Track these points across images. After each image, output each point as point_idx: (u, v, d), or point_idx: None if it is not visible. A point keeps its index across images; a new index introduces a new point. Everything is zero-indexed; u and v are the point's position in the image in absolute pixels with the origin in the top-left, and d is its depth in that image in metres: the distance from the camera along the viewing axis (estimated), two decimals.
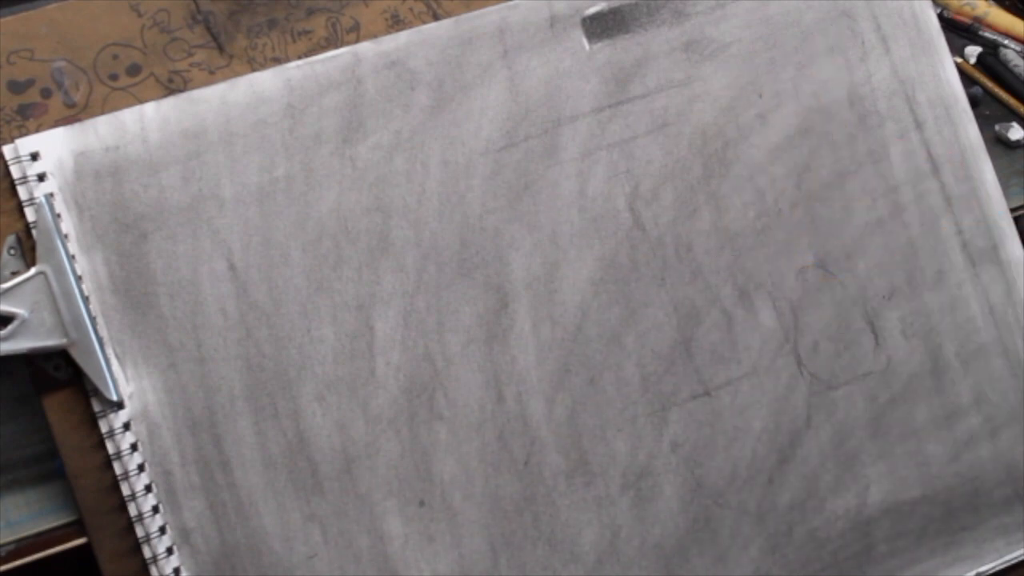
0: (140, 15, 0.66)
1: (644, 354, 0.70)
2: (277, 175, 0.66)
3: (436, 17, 0.70)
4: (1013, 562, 0.76)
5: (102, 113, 0.64)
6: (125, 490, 0.63)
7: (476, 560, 0.68)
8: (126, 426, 0.63)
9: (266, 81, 0.66)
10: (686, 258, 0.71)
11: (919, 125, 0.76)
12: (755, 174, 0.73)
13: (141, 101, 0.65)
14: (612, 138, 0.71)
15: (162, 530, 0.63)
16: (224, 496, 0.64)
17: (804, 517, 0.73)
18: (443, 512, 0.67)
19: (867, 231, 0.74)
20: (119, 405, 0.63)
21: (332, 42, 0.68)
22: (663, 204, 0.71)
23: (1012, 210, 0.78)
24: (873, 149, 0.75)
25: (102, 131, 0.64)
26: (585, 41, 0.71)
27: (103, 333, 0.63)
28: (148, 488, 0.63)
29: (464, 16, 0.69)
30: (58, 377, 0.63)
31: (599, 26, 0.71)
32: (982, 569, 0.76)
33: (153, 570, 0.63)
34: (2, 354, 0.61)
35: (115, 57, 0.65)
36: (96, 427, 0.63)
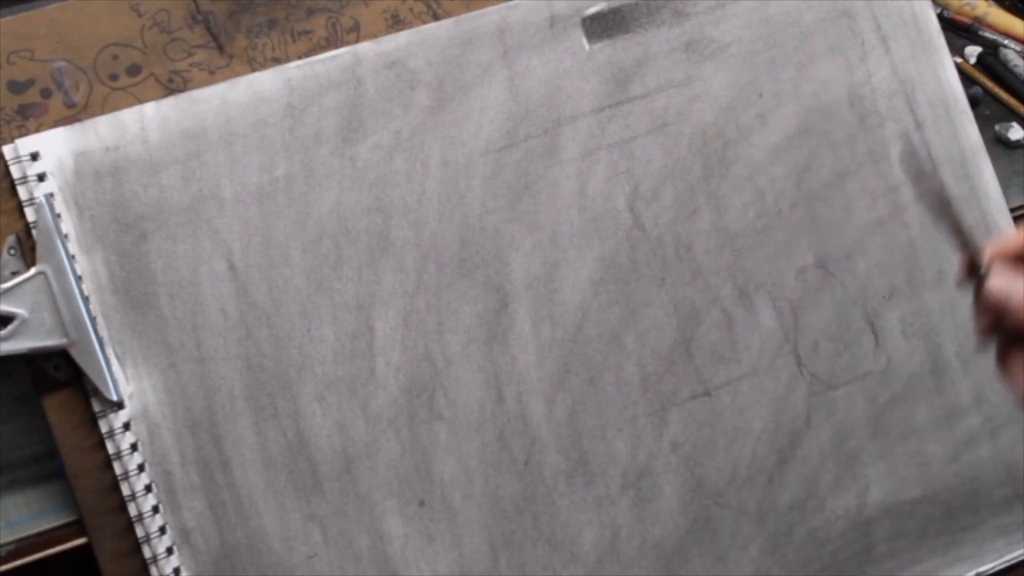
0: (140, 15, 0.66)
1: (644, 354, 0.70)
2: (277, 175, 0.66)
3: (436, 17, 0.70)
4: (1013, 562, 0.76)
5: (102, 113, 0.64)
6: (125, 490, 0.63)
7: (476, 560, 0.68)
8: (126, 426, 0.63)
9: (266, 81, 0.66)
10: (686, 258, 0.71)
11: (919, 125, 0.76)
12: (755, 174, 0.73)
13: (141, 101, 0.65)
14: (612, 138, 0.71)
15: (162, 530, 0.63)
16: (224, 496, 0.64)
17: (804, 517, 0.73)
18: (443, 512, 0.67)
19: (867, 231, 0.74)
20: (119, 405, 0.63)
21: (332, 42, 0.68)
22: (663, 204, 0.71)
23: (1012, 210, 0.78)
24: (873, 149, 0.75)
25: (102, 131, 0.64)
26: (585, 41, 0.71)
27: (103, 333, 0.63)
28: (148, 488, 0.63)
29: (464, 16, 0.69)
30: (58, 377, 0.63)
31: (599, 26, 0.71)
32: (982, 569, 0.76)
33: (153, 570, 0.63)
34: (2, 354, 0.61)
35: (115, 57, 0.65)
36: (96, 427, 0.63)
